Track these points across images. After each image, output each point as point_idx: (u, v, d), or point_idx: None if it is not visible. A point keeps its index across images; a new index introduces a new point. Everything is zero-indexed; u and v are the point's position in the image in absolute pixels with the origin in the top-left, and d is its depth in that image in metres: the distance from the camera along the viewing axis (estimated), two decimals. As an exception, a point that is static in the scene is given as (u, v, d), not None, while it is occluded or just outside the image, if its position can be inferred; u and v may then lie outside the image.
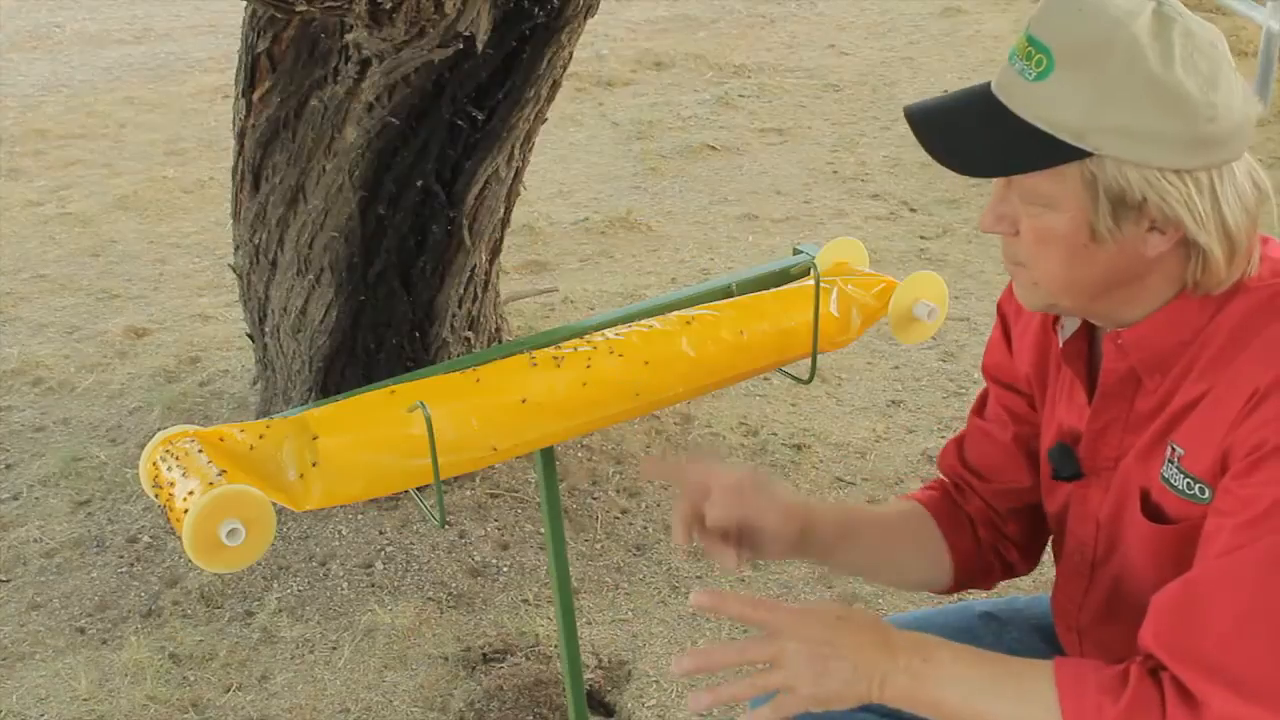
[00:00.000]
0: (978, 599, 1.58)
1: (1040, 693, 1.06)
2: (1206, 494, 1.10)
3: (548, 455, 1.62)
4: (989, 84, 1.11)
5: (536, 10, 2.49)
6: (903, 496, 1.46)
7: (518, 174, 2.91)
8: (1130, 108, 1.02)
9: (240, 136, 2.76)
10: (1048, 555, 1.42)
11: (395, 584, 2.68)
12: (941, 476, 1.45)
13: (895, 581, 1.57)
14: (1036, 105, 1.05)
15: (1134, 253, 1.08)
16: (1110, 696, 1.03)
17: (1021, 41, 1.07)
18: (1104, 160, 1.03)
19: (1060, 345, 1.24)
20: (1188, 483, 1.11)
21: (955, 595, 1.47)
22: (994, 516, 1.39)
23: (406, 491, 1.65)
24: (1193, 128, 1.03)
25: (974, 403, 1.44)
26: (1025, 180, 1.08)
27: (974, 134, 1.10)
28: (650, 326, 1.62)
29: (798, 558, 1.36)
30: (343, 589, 2.67)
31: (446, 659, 2.45)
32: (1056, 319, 1.26)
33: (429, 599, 2.63)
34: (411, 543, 2.80)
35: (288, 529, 2.84)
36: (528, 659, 2.44)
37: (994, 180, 1.13)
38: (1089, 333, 1.24)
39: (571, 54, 2.73)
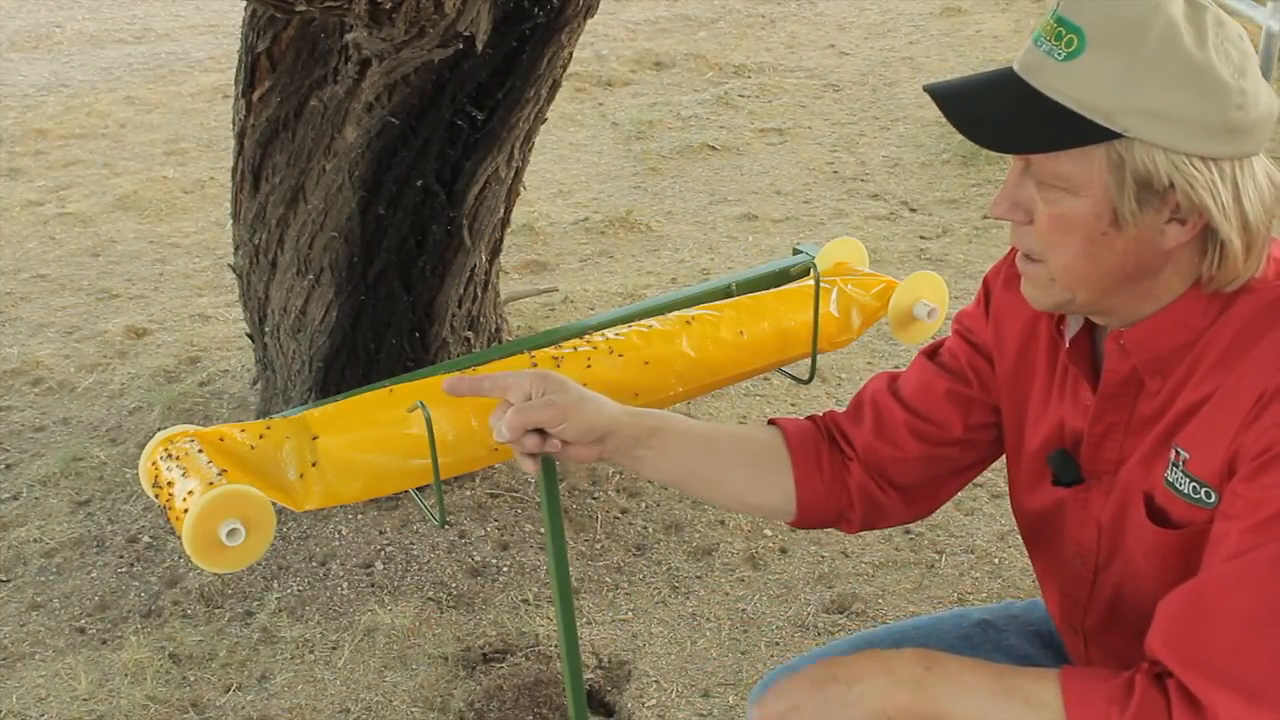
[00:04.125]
0: (974, 606, 1.58)
1: (1047, 702, 1.05)
2: (1213, 498, 1.09)
3: (548, 455, 1.62)
4: (1010, 67, 1.10)
5: (536, 10, 2.49)
6: (770, 420, 1.41)
7: (518, 174, 2.91)
8: (1164, 88, 1.02)
9: (240, 136, 2.76)
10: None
11: (395, 584, 2.68)
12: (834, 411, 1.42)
13: (720, 501, 1.43)
14: (1066, 85, 1.05)
15: (1151, 244, 1.07)
16: (1118, 706, 1.03)
17: (1049, 24, 1.07)
18: (1132, 143, 1.03)
19: (1066, 345, 1.24)
20: (1193, 486, 1.11)
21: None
22: (886, 456, 1.34)
23: (406, 491, 1.65)
24: (1223, 114, 1.03)
25: (925, 347, 1.41)
26: (1047, 163, 1.07)
27: (1001, 112, 1.08)
28: (650, 326, 1.62)
29: (607, 461, 1.31)
30: (343, 589, 2.67)
31: (446, 659, 2.45)
32: (1061, 319, 1.25)
33: (429, 599, 2.63)
34: (411, 543, 2.80)
35: (288, 529, 2.84)
36: (528, 659, 2.44)
37: (1010, 168, 1.12)
38: (1090, 333, 1.23)
39: (571, 54, 2.73)
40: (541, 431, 1.26)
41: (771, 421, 1.40)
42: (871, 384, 1.40)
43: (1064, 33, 1.05)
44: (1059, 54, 1.05)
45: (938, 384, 1.35)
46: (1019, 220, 1.12)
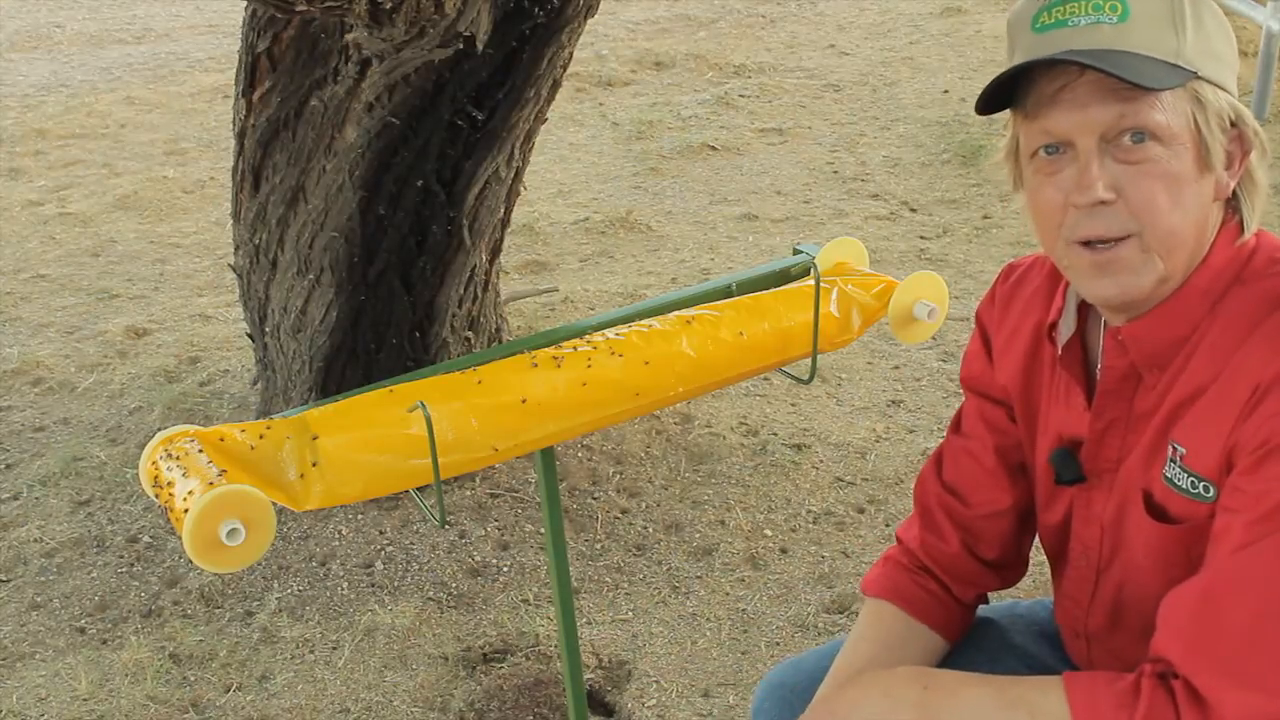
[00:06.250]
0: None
1: (1052, 710, 1.05)
2: (1211, 492, 1.09)
3: (548, 455, 1.62)
4: (1042, 59, 1.07)
5: (536, 10, 2.49)
6: (867, 588, 1.41)
7: (518, 174, 2.91)
8: (1207, 30, 1.08)
9: (240, 136, 2.77)
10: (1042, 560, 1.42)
11: (395, 584, 2.68)
12: (913, 514, 1.43)
13: None
14: (1138, 40, 1.06)
15: (1211, 193, 1.10)
16: (1126, 711, 1.03)
17: (1070, 4, 1.07)
18: (1202, 82, 1.07)
19: (1059, 351, 1.23)
20: (1191, 481, 1.11)
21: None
22: (973, 553, 1.38)
23: (406, 491, 1.65)
24: (1235, 52, 1.11)
25: (951, 421, 1.43)
26: (1144, 112, 1.05)
27: (1114, 63, 1.06)
28: (650, 326, 1.62)
29: None
30: (343, 589, 2.67)
31: (446, 659, 2.45)
32: (1053, 326, 1.25)
33: (429, 599, 2.63)
34: (411, 543, 2.80)
35: (288, 529, 2.84)
36: (528, 659, 2.44)
37: (1080, 151, 1.08)
38: (1083, 338, 1.23)
39: (571, 54, 2.73)
40: None
41: (867, 592, 1.41)
42: (928, 487, 1.41)
43: (1102, 3, 1.06)
44: (1111, 19, 1.06)
45: (980, 463, 1.37)
46: (1111, 200, 1.07)
